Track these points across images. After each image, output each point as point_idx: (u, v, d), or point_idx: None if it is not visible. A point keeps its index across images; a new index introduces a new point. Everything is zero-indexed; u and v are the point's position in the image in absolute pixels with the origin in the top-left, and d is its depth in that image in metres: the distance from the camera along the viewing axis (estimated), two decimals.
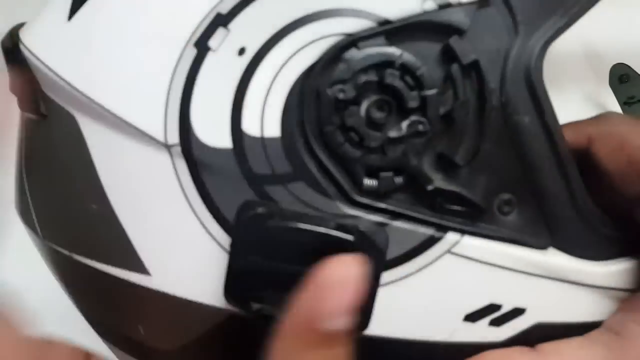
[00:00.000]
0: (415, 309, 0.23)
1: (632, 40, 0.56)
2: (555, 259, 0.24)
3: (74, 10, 0.26)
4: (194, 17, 0.23)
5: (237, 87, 0.22)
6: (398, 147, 0.22)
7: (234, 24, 0.23)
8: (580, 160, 0.26)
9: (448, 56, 0.22)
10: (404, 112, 0.22)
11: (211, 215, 0.23)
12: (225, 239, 0.23)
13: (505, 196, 0.24)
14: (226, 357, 0.26)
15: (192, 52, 0.23)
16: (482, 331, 0.24)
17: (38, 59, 0.26)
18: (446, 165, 0.23)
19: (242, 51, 0.22)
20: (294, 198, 0.22)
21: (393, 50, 0.22)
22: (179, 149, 0.23)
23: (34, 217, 0.29)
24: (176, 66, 0.23)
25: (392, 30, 0.22)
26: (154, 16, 0.24)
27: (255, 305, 0.23)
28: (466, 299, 0.24)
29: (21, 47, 0.27)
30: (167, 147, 0.23)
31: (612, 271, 0.25)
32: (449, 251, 0.23)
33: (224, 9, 0.23)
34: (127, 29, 0.24)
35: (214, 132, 0.23)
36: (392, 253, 0.23)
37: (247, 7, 0.23)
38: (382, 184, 0.23)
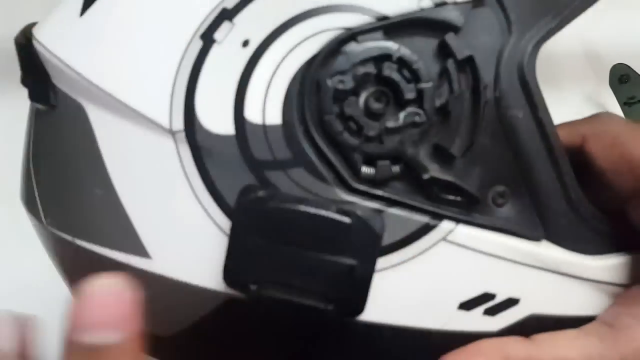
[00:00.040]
0: (410, 295, 0.24)
1: (632, 40, 0.57)
2: (548, 250, 0.25)
3: (86, 6, 0.27)
4: (201, 11, 0.24)
5: (241, 77, 0.23)
6: (395, 137, 0.23)
7: (239, 18, 0.24)
8: (575, 159, 0.26)
9: (444, 52, 0.23)
10: (402, 104, 0.23)
11: (213, 200, 0.24)
12: (225, 223, 0.24)
13: (500, 188, 0.24)
14: (223, 342, 0.26)
15: (198, 44, 0.24)
16: (476, 320, 0.24)
17: (50, 52, 0.27)
18: (442, 156, 0.24)
19: (246, 43, 0.23)
20: (293, 183, 0.23)
21: (391, 45, 0.23)
22: (183, 135, 0.24)
23: (38, 205, 0.30)
24: (183, 57, 0.24)
25: (390, 26, 0.23)
26: (163, 11, 0.25)
27: (253, 287, 0.23)
28: (460, 287, 0.24)
29: (34, 42, 0.28)
30: (172, 133, 0.24)
31: (605, 265, 0.26)
32: (443, 239, 0.24)
33: (230, 4, 0.24)
34: (138, 23, 0.25)
35: (217, 119, 0.24)
36: (387, 239, 0.23)
37: (252, 2, 0.24)
38: (379, 172, 0.23)
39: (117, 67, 0.25)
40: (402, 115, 0.23)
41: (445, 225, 0.23)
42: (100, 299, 0.19)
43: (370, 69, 0.23)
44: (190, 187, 0.24)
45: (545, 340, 0.24)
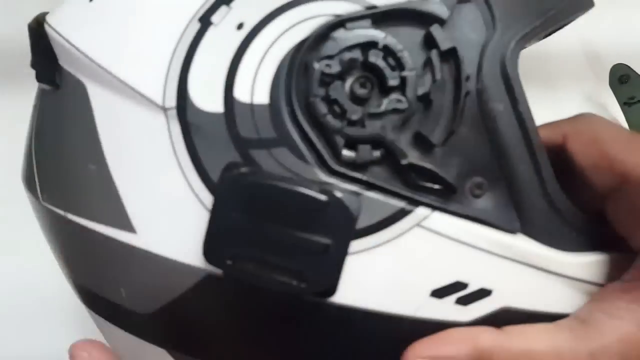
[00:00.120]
0: (382, 279, 0.24)
1: (632, 40, 0.57)
2: (523, 243, 0.25)
3: None
4: None
5: (233, 58, 0.24)
6: (377, 122, 0.24)
7: (236, 3, 0.25)
8: (557, 158, 0.27)
9: (429, 43, 0.24)
10: (385, 90, 0.24)
11: (198, 176, 0.25)
12: (209, 200, 0.25)
13: (477, 179, 0.25)
14: (201, 320, 0.27)
15: (196, 26, 0.25)
16: (448, 309, 0.25)
17: (60, 34, 0.29)
18: (422, 144, 0.24)
19: (240, 26, 0.25)
20: (276, 162, 0.24)
21: (377, 33, 0.24)
22: (174, 112, 0.25)
23: (36, 181, 0.31)
24: (180, 37, 0.25)
25: (379, 15, 0.24)
26: None
27: (229, 263, 0.24)
28: (433, 274, 0.24)
29: (45, 26, 0.30)
30: (164, 110, 0.25)
31: (582, 263, 0.26)
32: (418, 225, 0.24)
33: None
34: (141, 6, 0.27)
35: (208, 98, 0.25)
36: (362, 222, 0.24)
37: None
38: (359, 156, 0.24)
39: (118, 46, 0.27)
40: (385, 101, 0.24)
41: (421, 211, 0.24)
42: None
43: (357, 55, 0.24)
44: (178, 163, 0.25)
45: (516, 331, 0.24)
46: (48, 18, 0.30)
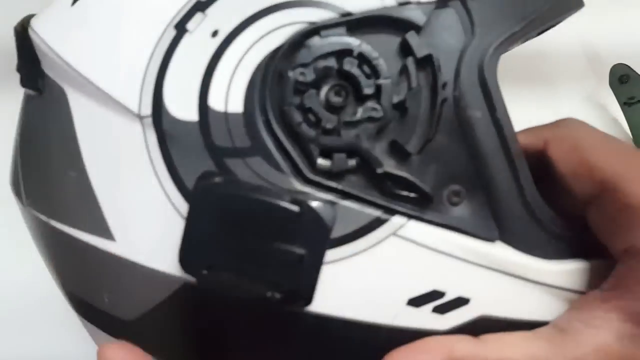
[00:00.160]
0: (359, 288, 0.24)
1: (632, 40, 0.57)
2: (502, 252, 0.25)
3: None
4: (177, 3, 0.25)
5: (207, 65, 0.24)
6: (352, 131, 0.24)
7: (211, 10, 0.25)
8: (538, 163, 0.27)
9: (405, 50, 0.24)
10: (361, 99, 0.24)
11: (174, 184, 0.25)
12: (185, 208, 0.25)
13: (455, 187, 0.25)
14: (181, 329, 0.27)
15: (171, 33, 0.25)
16: (425, 318, 0.25)
17: (41, 39, 0.29)
18: (398, 152, 0.24)
19: (215, 33, 0.24)
20: (251, 171, 0.24)
21: (352, 40, 0.24)
22: (150, 120, 0.25)
23: (21, 185, 0.31)
24: (156, 45, 0.25)
25: (353, 22, 0.24)
26: (142, 2, 0.26)
27: (205, 272, 0.24)
28: (410, 283, 0.24)
29: (29, 30, 0.30)
30: (140, 118, 0.25)
31: (561, 270, 0.26)
32: (394, 233, 0.24)
33: None
34: (119, 12, 0.27)
35: (182, 106, 0.24)
36: (338, 232, 0.24)
37: None
38: (335, 164, 0.24)
39: (96, 53, 0.27)
40: (360, 109, 0.24)
41: (397, 220, 0.24)
42: None
43: (332, 63, 0.24)
44: (154, 171, 0.25)
45: (492, 340, 0.24)
46: (32, 22, 0.30)
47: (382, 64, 0.24)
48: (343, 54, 0.24)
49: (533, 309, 0.26)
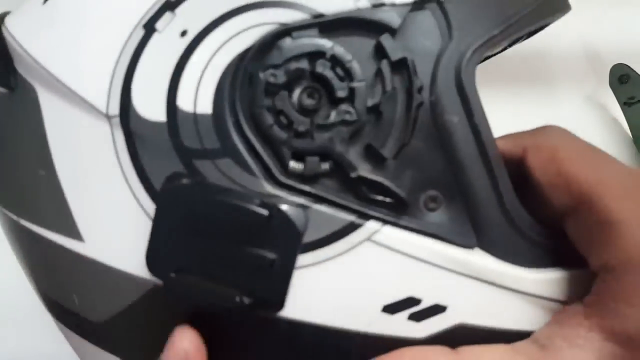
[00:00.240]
0: (332, 294, 0.24)
1: (632, 40, 0.57)
2: (480, 259, 0.24)
3: None
4: (146, 2, 0.24)
5: (176, 65, 0.24)
6: (325, 134, 0.23)
7: (180, 9, 0.24)
8: (517, 170, 0.26)
9: (379, 52, 0.23)
10: (334, 102, 0.23)
11: (142, 186, 0.24)
12: (153, 210, 0.24)
13: (432, 192, 0.24)
14: (152, 331, 0.26)
15: (140, 33, 0.24)
16: (400, 325, 0.24)
17: (13, 37, 0.28)
18: (373, 156, 0.23)
19: (184, 33, 0.24)
20: (220, 174, 0.23)
21: (325, 42, 0.23)
22: (118, 120, 0.24)
23: None
24: (125, 45, 0.24)
25: (326, 24, 0.23)
26: (111, 1, 0.25)
27: (172, 276, 0.23)
28: (385, 289, 0.24)
29: (2, 28, 0.29)
30: (108, 118, 0.24)
31: (541, 279, 0.25)
32: (368, 239, 0.23)
33: None
34: (87, 11, 0.26)
35: (151, 106, 0.24)
36: (311, 236, 0.23)
37: None
38: (307, 168, 0.23)
39: (65, 52, 0.26)
40: (333, 112, 0.23)
41: (371, 225, 0.23)
42: None
43: (304, 65, 0.23)
44: (122, 172, 0.24)
45: (470, 354, 0.24)
46: (7, 19, 0.30)
47: (355, 66, 0.23)
48: (315, 55, 0.23)
49: (512, 318, 0.25)
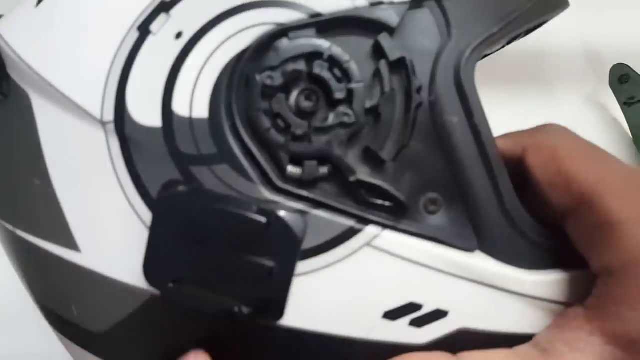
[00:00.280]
0: (332, 301, 0.23)
1: (632, 40, 0.57)
2: (481, 262, 0.24)
3: None
4: (141, 3, 0.24)
5: (171, 69, 0.23)
6: (323, 137, 0.23)
7: (175, 10, 0.24)
8: (517, 170, 0.26)
9: (377, 52, 0.23)
10: (332, 103, 0.23)
11: (138, 193, 0.23)
12: (150, 218, 0.23)
13: (432, 195, 0.24)
14: (151, 342, 0.26)
15: (134, 35, 0.24)
16: (402, 331, 0.24)
17: (6, 42, 0.28)
18: (372, 159, 0.23)
19: (179, 35, 0.23)
20: (217, 180, 0.23)
21: (322, 43, 0.23)
22: (112, 126, 0.24)
23: None
24: (119, 48, 0.24)
25: (323, 23, 0.23)
26: (105, 3, 0.25)
27: (171, 286, 0.23)
28: (385, 295, 0.23)
29: None
30: (103, 124, 0.24)
31: (542, 281, 0.24)
32: (368, 244, 0.23)
33: None
34: (81, 14, 0.26)
35: (146, 111, 0.23)
36: (310, 243, 0.23)
37: None
38: (305, 172, 0.23)
39: (57, 57, 0.25)
40: (331, 115, 0.23)
41: (371, 230, 0.23)
42: None
43: (301, 66, 0.23)
44: (117, 180, 0.24)
45: (472, 359, 0.23)
46: (0, 22, 0.29)
47: (353, 67, 0.22)
48: (313, 56, 0.23)
49: (514, 321, 0.25)
